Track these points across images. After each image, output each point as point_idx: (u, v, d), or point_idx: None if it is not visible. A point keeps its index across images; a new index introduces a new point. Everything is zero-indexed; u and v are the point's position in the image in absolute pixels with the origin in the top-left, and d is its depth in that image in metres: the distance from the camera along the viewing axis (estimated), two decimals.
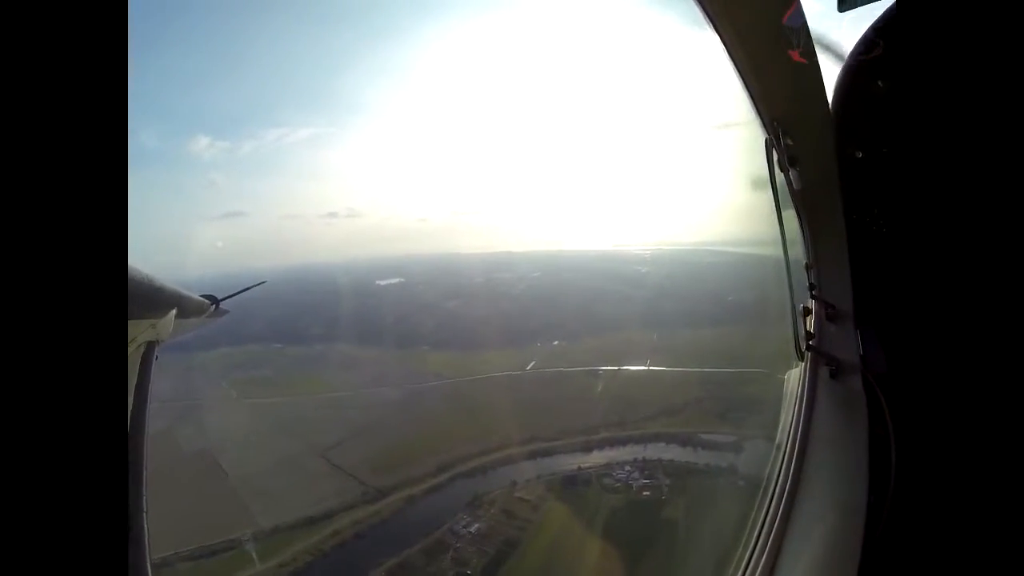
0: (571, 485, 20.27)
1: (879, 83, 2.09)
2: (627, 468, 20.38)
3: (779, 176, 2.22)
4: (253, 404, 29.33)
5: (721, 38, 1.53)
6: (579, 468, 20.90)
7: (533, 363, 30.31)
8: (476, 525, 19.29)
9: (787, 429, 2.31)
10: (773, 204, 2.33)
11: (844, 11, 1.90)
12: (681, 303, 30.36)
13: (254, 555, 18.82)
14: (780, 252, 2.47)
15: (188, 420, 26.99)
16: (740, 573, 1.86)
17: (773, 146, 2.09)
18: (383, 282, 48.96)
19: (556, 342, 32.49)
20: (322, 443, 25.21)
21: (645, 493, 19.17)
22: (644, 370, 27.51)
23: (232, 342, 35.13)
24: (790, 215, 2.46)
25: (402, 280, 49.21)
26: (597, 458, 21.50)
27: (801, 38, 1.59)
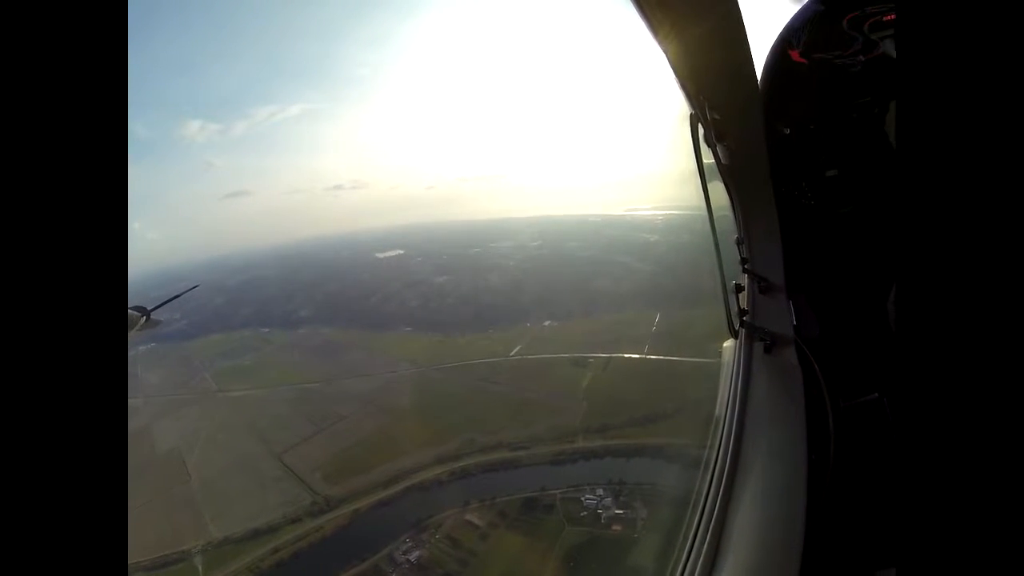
0: (529, 510, 16.91)
1: (807, 60, 2.14)
2: (599, 493, 16.67)
3: (705, 151, 2.24)
4: (226, 397, 28.08)
5: (643, 10, 1.44)
6: (542, 489, 17.40)
7: (519, 348, 26.80)
8: (416, 552, 16.71)
9: (724, 405, 2.31)
10: (699, 180, 2.33)
11: None
12: (689, 277, 25.19)
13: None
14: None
15: (160, 415, 26.49)
16: (684, 555, 1.79)
17: (699, 120, 2.11)
18: (382, 255, 46.42)
19: (547, 322, 28.60)
20: (281, 442, 23.55)
21: (615, 528, 15.46)
22: (640, 359, 23.11)
23: (216, 329, 34.29)
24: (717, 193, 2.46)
25: (401, 252, 46.34)
26: (567, 475, 17.97)
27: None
